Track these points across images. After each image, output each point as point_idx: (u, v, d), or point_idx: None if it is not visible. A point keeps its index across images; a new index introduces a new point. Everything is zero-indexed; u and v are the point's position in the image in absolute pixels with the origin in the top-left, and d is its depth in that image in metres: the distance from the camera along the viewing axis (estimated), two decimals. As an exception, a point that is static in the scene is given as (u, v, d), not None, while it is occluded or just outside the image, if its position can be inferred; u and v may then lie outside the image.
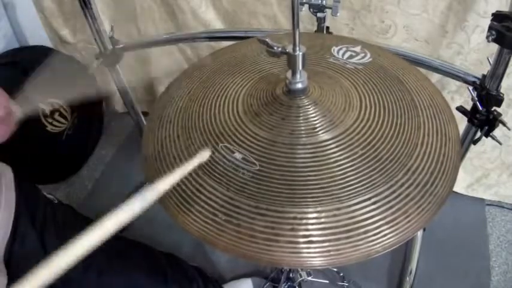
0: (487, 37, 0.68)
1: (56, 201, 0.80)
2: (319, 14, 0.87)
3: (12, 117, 0.58)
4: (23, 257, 0.67)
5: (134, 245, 0.89)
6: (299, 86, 0.58)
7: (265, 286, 1.10)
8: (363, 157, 0.52)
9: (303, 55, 0.55)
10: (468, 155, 0.98)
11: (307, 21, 1.12)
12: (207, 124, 0.59)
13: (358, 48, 0.70)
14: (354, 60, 0.68)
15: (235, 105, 0.61)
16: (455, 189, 1.30)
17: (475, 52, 1.02)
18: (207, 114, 0.60)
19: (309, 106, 0.57)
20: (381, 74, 0.65)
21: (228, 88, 0.64)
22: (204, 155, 0.52)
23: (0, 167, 0.73)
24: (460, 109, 0.84)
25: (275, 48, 0.55)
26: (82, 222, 0.78)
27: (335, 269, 1.14)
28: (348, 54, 0.69)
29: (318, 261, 0.46)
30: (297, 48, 0.54)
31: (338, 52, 0.70)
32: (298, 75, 0.57)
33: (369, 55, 0.69)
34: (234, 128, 0.57)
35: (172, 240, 1.21)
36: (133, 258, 0.84)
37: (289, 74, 0.58)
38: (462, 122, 0.84)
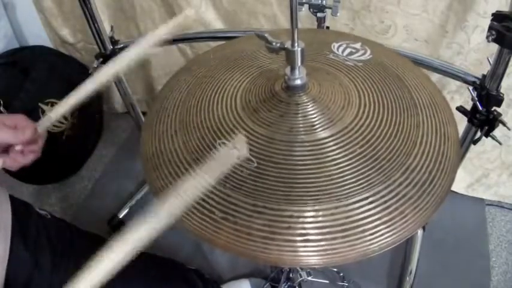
0: (487, 37, 0.68)
1: (49, 216, 0.78)
2: (319, 14, 0.87)
3: (41, 137, 0.61)
4: (15, 278, 0.66)
5: None
6: (298, 82, 0.57)
7: (264, 286, 1.10)
8: (361, 155, 0.52)
9: (302, 51, 0.54)
10: (468, 155, 0.98)
11: (307, 21, 1.12)
12: (204, 120, 0.59)
13: (358, 45, 0.70)
14: (353, 57, 0.67)
15: (233, 101, 0.60)
16: (455, 189, 1.30)
17: (475, 52, 1.02)
18: (205, 110, 0.60)
19: (308, 103, 0.57)
20: (381, 72, 0.64)
21: (226, 84, 0.64)
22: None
23: None
24: (460, 109, 0.84)
25: (274, 43, 0.54)
26: (76, 236, 0.77)
27: (335, 269, 1.14)
28: (348, 50, 0.69)
29: (314, 260, 0.45)
30: (296, 44, 0.53)
31: (338, 49, 0.69)
32: (297, 72, 0.56)
33: (369, 52, 0.68)
34: (232, 124, 0.56)
35: (172, 242, 1.20)
36: (133, 266, 0.84)
37: (288, 70, 0.57)
38: (462, 122, 0.84)
